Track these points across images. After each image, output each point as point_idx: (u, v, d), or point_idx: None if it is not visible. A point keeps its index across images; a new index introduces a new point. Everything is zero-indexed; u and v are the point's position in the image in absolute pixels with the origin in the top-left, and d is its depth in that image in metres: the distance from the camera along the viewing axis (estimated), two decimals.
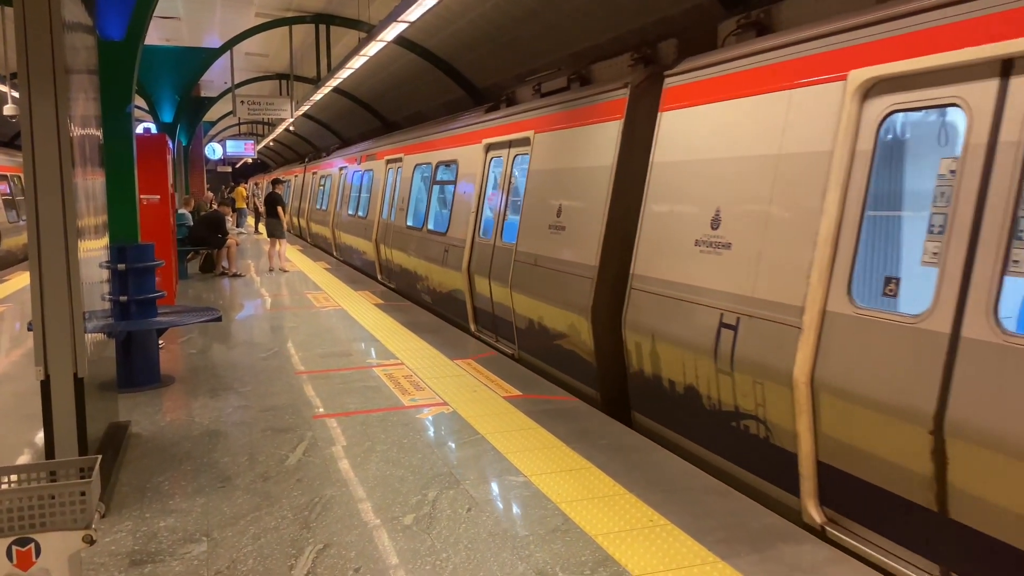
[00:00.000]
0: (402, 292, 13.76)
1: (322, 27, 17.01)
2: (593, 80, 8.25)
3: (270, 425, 6.00)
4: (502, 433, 5.75)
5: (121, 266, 6.84)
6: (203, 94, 23.23)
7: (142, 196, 9.76)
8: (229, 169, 52.74)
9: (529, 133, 8.93)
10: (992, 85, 3.72)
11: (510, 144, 9.62)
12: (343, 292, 13.13)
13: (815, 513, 4.57)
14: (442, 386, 7.06)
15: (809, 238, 4.63)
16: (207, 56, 17.89)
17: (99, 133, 5.72)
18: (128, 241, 7.39)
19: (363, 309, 11.43)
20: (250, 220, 32.78)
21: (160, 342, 7.47)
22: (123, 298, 6.91)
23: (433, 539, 4.06)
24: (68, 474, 3.11)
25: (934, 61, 3.97)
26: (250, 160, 51.89)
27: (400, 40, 13.77)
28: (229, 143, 37.44)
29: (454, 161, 11.55)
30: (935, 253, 3.93)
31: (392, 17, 10.29)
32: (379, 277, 15.83)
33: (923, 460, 3.86)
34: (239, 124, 36.81)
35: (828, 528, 4.50)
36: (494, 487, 4.75)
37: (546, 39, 11.55)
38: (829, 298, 4.49)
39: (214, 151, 37.20)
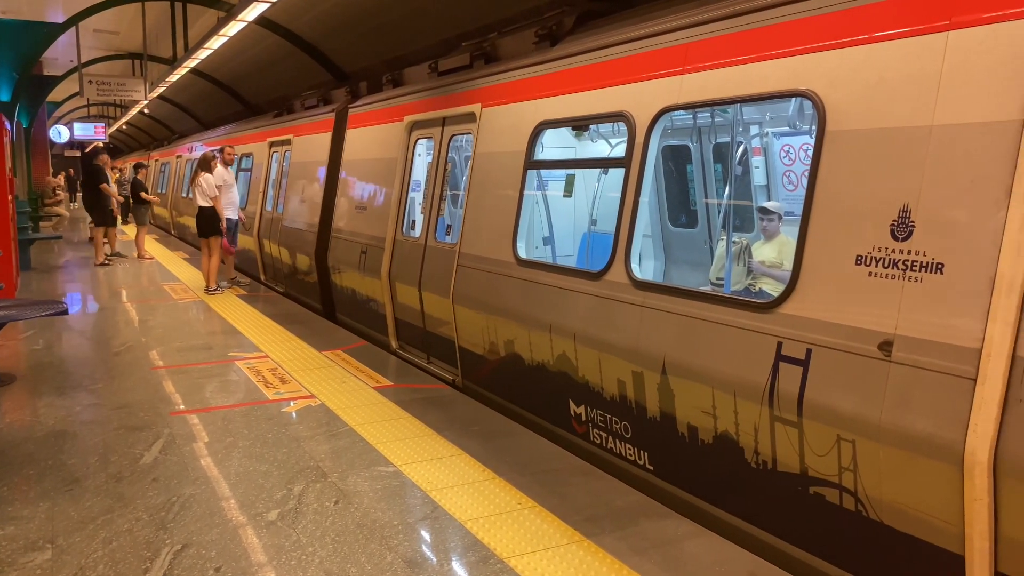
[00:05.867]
0: None
1: (178, 5, 16.19)
2: (333, 100, 11.66)
3: (124, 423, 5.68)
4: (372, 423, 5.68)
5: None
6: (46, 72, 21.68)
7: None
8: (78, 153, 49.39)
9: (291, 136, 12.41)
10: (440, 130, 7.83)
11: (282, 143, 12.97)
12: (203, 283, 12.57)
13: (394, 343, 8.47)
14: (309, 378, 6.90)
15: (390, 202, 8.55)
16: (49, 31, 16.68)
17: None
18: None
19: (225, 300, 11.01)
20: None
21: None
22: None
23: (299, 533, 3.97)
24: None
25: (424, 116, 8.12)
26: (101, 144, 48.85)
27: (262, 20, 13.26)
28: (77, 125, 34.99)
29: (251, 154, 14.80)
30: (423, 209, 8.16)
31: None
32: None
33: (417, 304, 7.76)
34: (88, 106, 34.61)
35: (399, 351, 8.30)
36: (362, 478, 4.68)
37: (414, 25, 11.43)
38: (396, 232, 8.40)
39: (60, 134, 34.75)
